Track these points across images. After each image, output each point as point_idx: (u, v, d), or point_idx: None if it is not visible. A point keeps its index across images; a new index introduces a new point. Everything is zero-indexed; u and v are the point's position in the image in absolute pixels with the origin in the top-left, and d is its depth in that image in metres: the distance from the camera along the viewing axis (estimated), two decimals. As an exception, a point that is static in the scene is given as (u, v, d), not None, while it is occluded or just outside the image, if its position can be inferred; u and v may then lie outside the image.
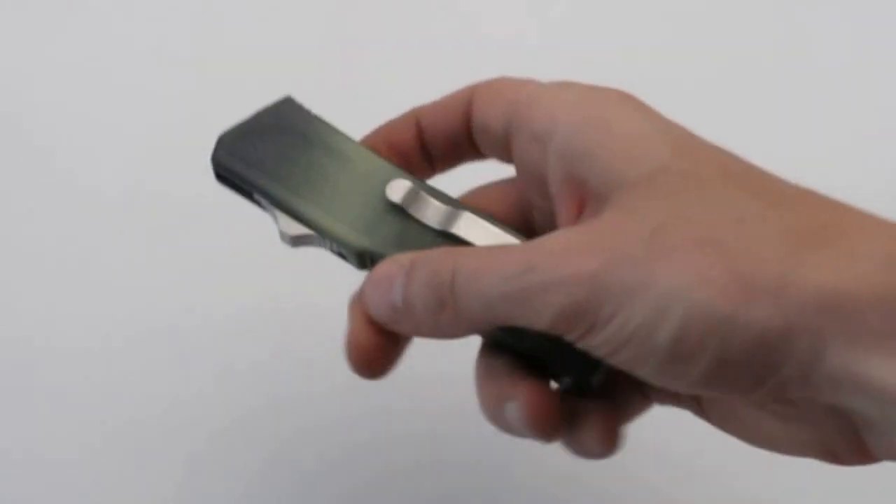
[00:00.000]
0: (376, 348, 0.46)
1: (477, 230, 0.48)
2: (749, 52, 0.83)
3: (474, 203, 0.50)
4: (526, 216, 0.51)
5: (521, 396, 0.45)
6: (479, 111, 0.49)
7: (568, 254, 0.42)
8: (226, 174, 0.49)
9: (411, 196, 0.48)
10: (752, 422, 0.45)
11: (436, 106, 0.50)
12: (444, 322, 0.44)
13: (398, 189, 0.48)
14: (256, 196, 0.50)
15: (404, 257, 0.46)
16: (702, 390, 0.41)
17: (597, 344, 0.42)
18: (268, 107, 0.50)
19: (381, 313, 0.46)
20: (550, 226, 0.48)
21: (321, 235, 0.48)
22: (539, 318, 0.42)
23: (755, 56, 0.83)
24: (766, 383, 0.40)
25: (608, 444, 0.46)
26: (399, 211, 0.48)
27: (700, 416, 0.47)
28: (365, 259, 0.48)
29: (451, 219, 0.48)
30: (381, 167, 0.49)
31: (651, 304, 0.40)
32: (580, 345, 0.43)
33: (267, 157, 0.49)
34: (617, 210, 0.42)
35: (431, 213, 0.48)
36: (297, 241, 0.49)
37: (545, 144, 0.45)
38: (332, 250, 0.49)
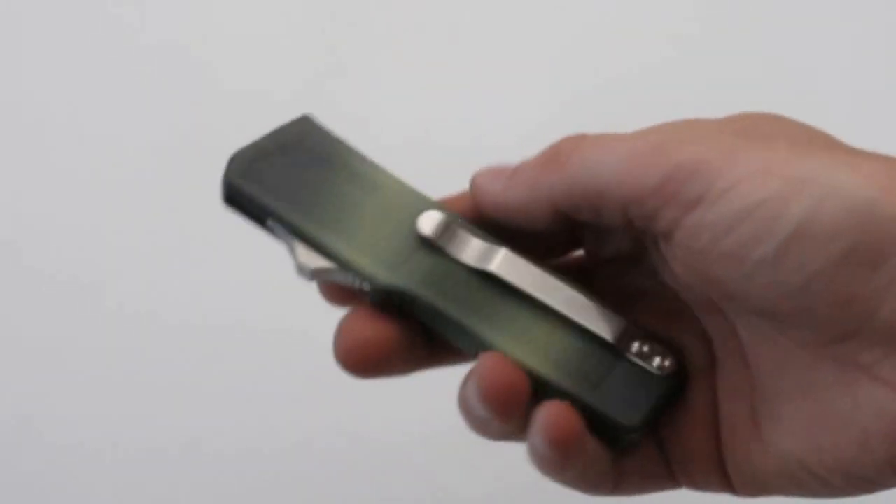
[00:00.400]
0: (379, 337, 0.42)
1: (516, 269, 0.44)
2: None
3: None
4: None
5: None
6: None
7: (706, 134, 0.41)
8: (237, 197, 0.44)
9: (444, 230, 0.44)
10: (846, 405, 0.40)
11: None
12: (549, 175, 0.42)
13: (430, 222, 0.44)
14: (270, 223, 0.44)
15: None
16: (819, 294, 0.38)
17: (711, 219, 0.39)
18: (284, 125, 0.46)
19: (486, 184, 0.44)
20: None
21: (343, 269, 0.43)
22: (651, 175, 0.40)
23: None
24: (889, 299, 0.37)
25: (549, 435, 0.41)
26: (430, 246, 0.44)
27: (749, 489, 0.43)
28: (391, 298, 0.43)
29: (487, 256, 0.44)
30: (411, 197, 0.45)
31: (785, 178, 0.38)
32: (684, 224, 0.39)
33: (284, 179, 0.44)
34: None
35: (466, 249, 0.44)
36: (316, 274, 0.43)
37: None
38: (354, 286, 0.44)
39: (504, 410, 0.41)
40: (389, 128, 0.75)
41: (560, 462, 0.41)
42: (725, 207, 0.39)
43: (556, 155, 0.43)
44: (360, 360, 0.42)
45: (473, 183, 0.45)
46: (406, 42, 0.84)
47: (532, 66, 0.84)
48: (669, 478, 0.44)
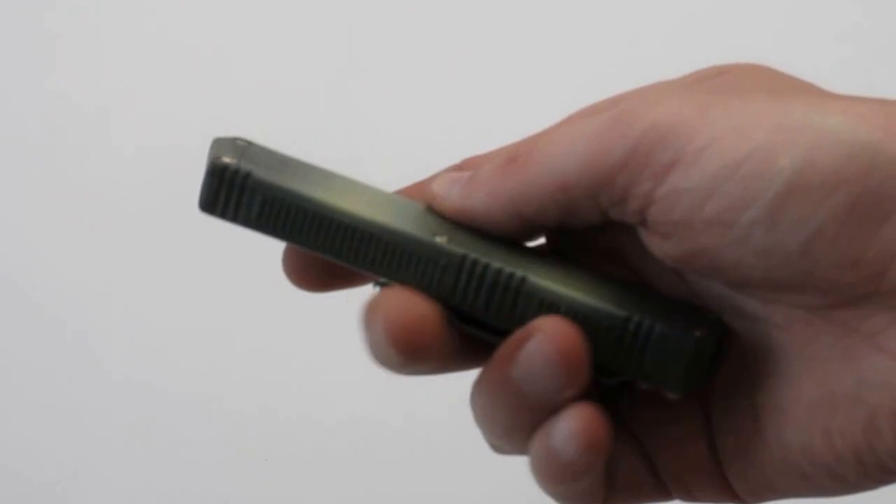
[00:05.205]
0: (426, 319, 0.38)
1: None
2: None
3: None
4: None
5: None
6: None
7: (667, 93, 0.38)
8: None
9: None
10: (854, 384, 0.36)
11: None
12: (507, 181, 0.38)
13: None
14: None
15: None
16: (821, 257, 0.34)
17: (689, 184, 0.35)
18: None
19: (442, 191, 0.40)
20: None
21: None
22: (616, 149, 0.36)
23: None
24: None
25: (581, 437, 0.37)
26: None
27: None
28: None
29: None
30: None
31: (769, 128, 0.34)
32: (658, 196, 0.35)
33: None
34: None
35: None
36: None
37: None
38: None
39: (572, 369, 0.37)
40: (405, 132, 0.76)
41: (584, 467, 0.37)
42: (704, 168, 0.34)
43: (512, 157, 0.39)
44: (412, 340, 0.38)
45: (430, 191, 0.40)
46: (423, 50, 0.85)
47: (547, 70, 0.85)
48: (661, 491, 0.40)
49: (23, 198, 0.83)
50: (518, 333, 0.38)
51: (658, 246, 0.37)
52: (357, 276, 0.41)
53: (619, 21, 0.87)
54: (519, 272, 0.39)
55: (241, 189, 0.40)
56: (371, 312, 0.38)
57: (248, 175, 0.40)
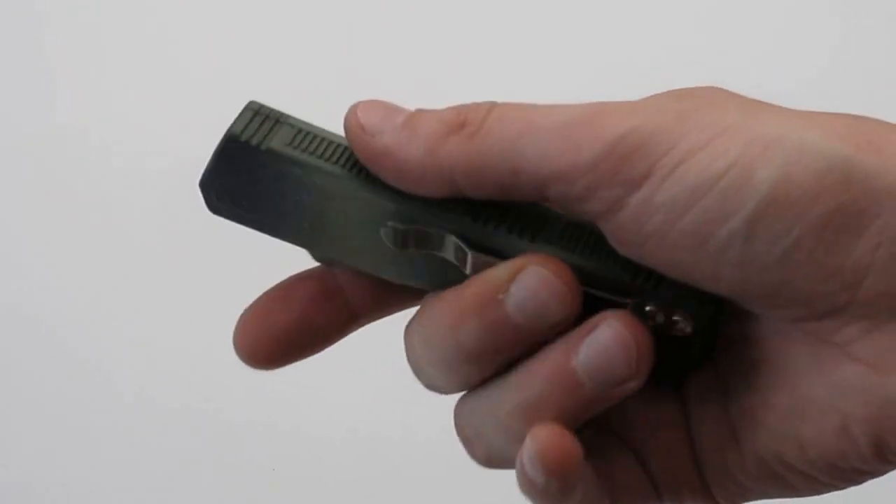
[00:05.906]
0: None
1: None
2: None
3: None
4: None
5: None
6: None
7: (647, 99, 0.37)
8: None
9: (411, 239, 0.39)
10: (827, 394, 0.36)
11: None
12: (452, 147, 0.37)
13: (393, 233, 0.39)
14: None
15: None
16: (799, 268, 0.34)
17: (665, 196, 0.34)
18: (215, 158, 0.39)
19: (370, 123, 0.38)
20: None
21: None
22: (586, 150, 0.35)
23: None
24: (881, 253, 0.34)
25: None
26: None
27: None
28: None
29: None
30: (369, 201, 0.39)
31: (746, 141, 0.34)
32: (629, 204, 0.35)
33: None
34: None
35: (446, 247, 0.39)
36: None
37: None
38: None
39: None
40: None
41: (560, 493, 0.36)
42: (681, 181, 0.34)
43: (461, 122, 0.37)
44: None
45: (352, 118, 0.38)
46: (422, 51, 0.85)
47: (547, 72, 0.85)
48: (657, 498, 0.40)
49: (22, 208, 0.83)
50: (585, 324, 0.37)
51: (626, 251, 0.37)
52: (304, 347, 0.41)
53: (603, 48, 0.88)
54: (542, 204, 0.38)
55: (275, 121, 0.40)
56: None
57: (284, 114, 0.40)
